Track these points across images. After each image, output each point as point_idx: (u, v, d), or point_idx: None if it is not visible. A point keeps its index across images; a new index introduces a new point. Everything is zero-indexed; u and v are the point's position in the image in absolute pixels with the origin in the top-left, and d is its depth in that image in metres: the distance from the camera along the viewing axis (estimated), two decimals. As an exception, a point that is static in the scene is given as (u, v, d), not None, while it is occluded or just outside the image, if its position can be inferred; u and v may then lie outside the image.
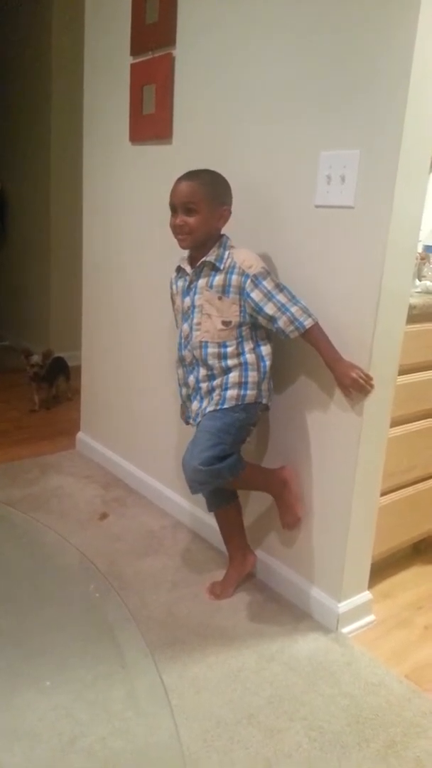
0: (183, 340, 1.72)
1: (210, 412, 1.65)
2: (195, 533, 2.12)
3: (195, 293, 1.65)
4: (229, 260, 1.60)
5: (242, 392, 1.62)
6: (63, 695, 1.35)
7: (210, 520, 2.06)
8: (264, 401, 1.66)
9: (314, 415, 1.67)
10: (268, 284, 1.56)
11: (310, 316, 1.56)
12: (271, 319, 1.56)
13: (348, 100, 1.47)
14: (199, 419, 1.69)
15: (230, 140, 1.82)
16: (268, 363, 1.65)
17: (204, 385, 1.67)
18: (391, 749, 1.32)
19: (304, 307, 1.56)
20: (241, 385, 1.62)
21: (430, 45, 1.35)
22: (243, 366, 1.62)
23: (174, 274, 1.76)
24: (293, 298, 1.56)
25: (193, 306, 1.66)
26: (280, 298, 1.56)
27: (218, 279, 1.60)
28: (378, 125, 1.42)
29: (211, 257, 1.61)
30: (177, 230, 1.62)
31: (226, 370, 1.63)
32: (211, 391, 1.66)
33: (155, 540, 2.07)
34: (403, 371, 1.65)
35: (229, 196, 1.64)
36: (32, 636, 1.45)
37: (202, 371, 1.67)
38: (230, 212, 1.64)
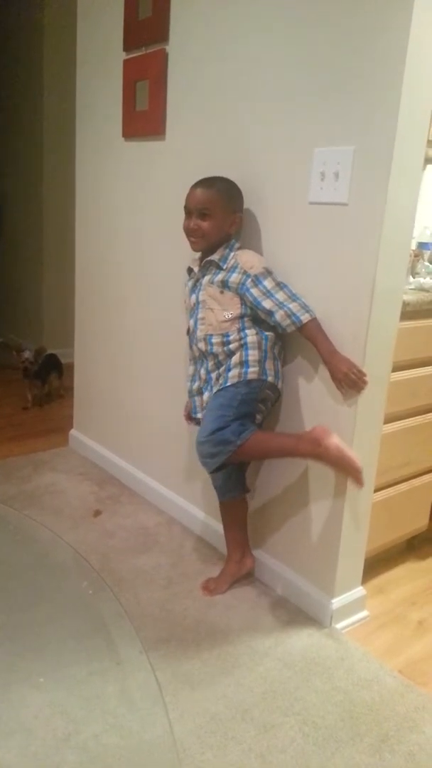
0: (191, 336, 1.76)
1: (215, 393, 1.68)
2: (189, 530, 2.12)
3: (199, 290, 1.71)
4: (233, 261, 1.65)
5: (243, 369, 1.64)
6: (57, 692, 1.35)
7: (204, 517, 2.06)
8: (269, 379, 1.64)
9: (308, 411, 1.67)
10: (268, 284, 1.60)
11: (307, 311, 1.57)
12: (269, 312, 1.59)
13: (342, 96, 1.47)
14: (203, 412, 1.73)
15: (223, 136, 1.81)
16: (270, 344, 1.65)
17: (213, 375, 1.71)
18: (384, 743, 1.33)
19: (302, 303, 1.58)
20: (242, 363, 1.64)
21: (424, 42, 1.35)
22: (244, 346, 1.64)
23: (186, 277, 1.80)
24: (293, 296, 1.59)
25: (197, 302, 1.71)
26: (279, 296, 1.59)
27: (220, 276, 1.65)
28: (372, 122, 1.42)
29: (215, 257, 1.67)
30: (190, 233, 1.69)
31: (229, 354, 1.66)
32: (218, 378, 1.70)
33: (149, 537, 2.07)
34: (396, 368, 1.66)
35: (241, 203, 1.70)
36: (26, 633, 1.45)
37: (210, 363, 1.71)
38: (242, 219, 1.70)
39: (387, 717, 1.40)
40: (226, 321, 1.65)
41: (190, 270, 1.79)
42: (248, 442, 1.59)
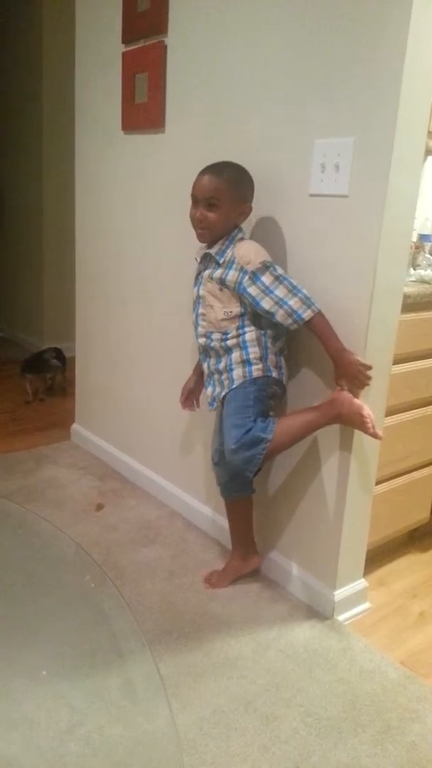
0: (194, 329, 1.74)
1: (224, 396, 1.66)
2: (191, 523, 2.13)
3: (200, 283, 1.68)
4: (230, 254, 1.59)
5: (247, 368, 1.62)
6: (60, 684, 1.36)
7: (206, 510, 2.07)
8: (273, 375, 1.63)
9: (310, 404, 1.67)
10: (266, 279, 1.54)
11: (309, 307, 1.53)
12: (269, 312, 1.56)
13: (342, 87, 1.46)
14: (215, 405, 1.71)
15: (223, 129, 1.80)
16: (270, 340, 1.62)
17: (215, 370, 1.70)
18: (386, 734, 1.33)
19: (304, 297, 1.53)
20: (244, 362, 1.62)
21: (424, 33, 1.34)
22: (242, 344, 1.62)
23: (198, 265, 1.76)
24: (293, 289, 1.54)
25: (198, 296, 1.69)
26: (279, 292, 1.53)
27: (218, 272, 1.61)
28: (372, 113, 1.41)
29: (213, 250, 1.62)
30: (196, 223, 1.61)
31: (227, 350, 1.64)
32: (220, 375, 1.68)
33: (151, 530, 2.08)
34: (397, 360, 1.66)
35: (251, 192, 1.63)
36: (28, 626, 1.46)
37: (213, 359, 1.70)
38: (251, 208, 1.64)
39: (389, 708, 1.40)
40: (225, 319, 1.62)
41: (197, 260, 1.74)
42: (276, 434, 1.56)
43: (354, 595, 1.72)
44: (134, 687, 1.26)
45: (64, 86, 3.08)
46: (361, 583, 1.75)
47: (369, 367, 1.51)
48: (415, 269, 1.94)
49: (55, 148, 3.77)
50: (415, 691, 1.46)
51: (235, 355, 1.63)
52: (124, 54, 2.13)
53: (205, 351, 1.72)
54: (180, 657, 1.51)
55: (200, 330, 1.69)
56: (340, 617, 1.69)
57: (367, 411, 1.51)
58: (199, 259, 1.70)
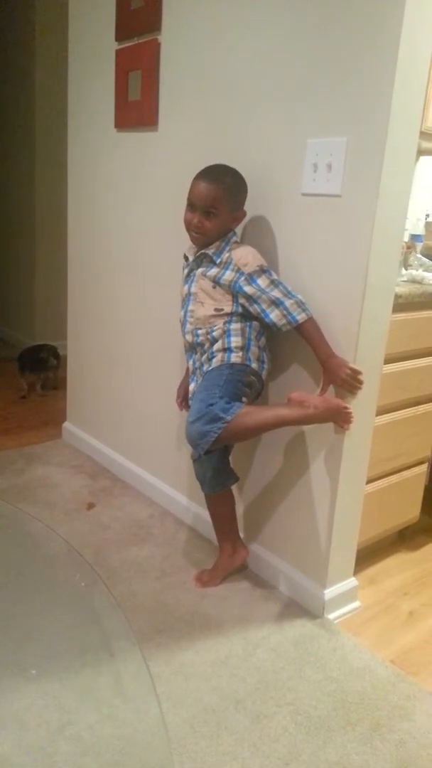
0: (181, 326, 1.75)
1: (201, 379, 1.68)
2: (182, 522, 2.13)
3: (192, 281, 1.68)
4: (227, 256, 1.61)
5: (227, 355, 1.64)
6: (51, 683, 1.36)
7: (197, 509, 2.07)
8: (252, 365, 1.64)
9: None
10: (262, 282, 1.57)
11: (304, 311, 1.56)
12: (263, 311, 1.57)
13: (335, 87, 1.47)
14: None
15: (216, 127, 1.80)
16: (254, 332, 1.63)
17: (199, 366, 1.71)
18: (376, 732, 1.34)
19: (299, 301, 1.56)
20: (225, 350, 1.64)
21: (417, 33, 1.35)
22: (226, 333, 1.63)
23: (184, 262, 1.78)
24: (288, 293, 1.57)
25: (189, 293, 1.70)
26: (275, 294, 1.56)
27: (213, 271, 1.63)
28: (365, 113, 1.41)
29: (210, 250, 1.64)
30: (192, 228, 1.63)
31: (212, 342, 1.66)
32: (203, 365, 1.70)
33: (143, 529, 2.08)
34: (388, 360, 1.66)
35: (245, 196, 1.65)
36: (19, 625, 1.45)
37: (198, 354, 1.71)
38: (245, 213, 1.66)
39: (378, 706, 1.41)
40: (214, 316, 1.64)
41: (186, 258, 1.75)
42: (237, 417, 1.54)
43: (344, 593, 1.73)
44: (124, 686, 1.26)
45: (57, 83, 3.07)
46: (352, 581, 1.76)
47: (359, 372, 1.52)
48: (406, 269, 1.95)
49: (48, 145, 3.76)
50: (404, 689, 1.46)
51: (218, 344, 1.65)
52: (117, 51, 2.12)
53: (192, 348, 1.73)
54: (170, 656, 1.51)
55: (188, 327, 1.71)
56: (331, 616, 1.69)
57: (342, 404, 1.52)
58: (190, 258, 1.70)
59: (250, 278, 1.57)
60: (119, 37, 2.11)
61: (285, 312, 1.55)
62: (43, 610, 1.51)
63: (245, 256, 1.60)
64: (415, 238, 2.21)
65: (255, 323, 1.64)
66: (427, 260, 2.08)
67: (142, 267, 2.20)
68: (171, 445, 2.17)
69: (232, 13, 1.70)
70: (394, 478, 1.88)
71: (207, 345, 1.67)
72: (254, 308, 1.59)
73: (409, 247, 2.08)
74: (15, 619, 1.47)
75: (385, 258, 1.50)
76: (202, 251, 1.66)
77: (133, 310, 2.27)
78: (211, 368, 1.65)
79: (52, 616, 1.47)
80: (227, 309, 1.63)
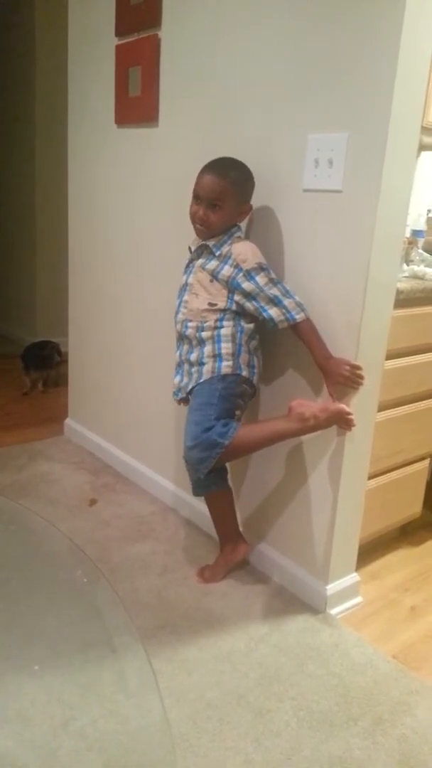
0: (174, 315, 1.75)
1: (192, 389, 1.68)
2: (184, 518, 2.13)
3: (191, 271, 1.68)
4: (227, 249, 1.60)
5: (217, 364, 1.63)
6: (53, 679, 1.36)
7: (200, 505, 2.07)
8: (243, 374, 1.63)
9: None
10: (261, 279, 1.56)
11: (302, 311, 1.56)
12: (262, 308, 1.57)
13: (336, 82, 1.46)
14: (180, 395, 1.73)
15: (217, 123, 1.80)
16: (245, 337, 1.63)
17: (186, 360, 1.71)
18: (378, 727, 1.34)
19: (297, 302, 1.56)
20: (215, 357, 1.63)
21: (418, 28, 1.34)
22: (216, 338, 1.62)
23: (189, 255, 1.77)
24: (287, 293, 1.56)
25: (186, 283, 1.69)
26: (273, 291, 1.56)
27: (212, 264, 1.62)
28: (366, 108, 1.41)
29: (211, 242, 1.63)
30: (197, 220, 1.62)
31: (201, 342, 1.65)
32: (190, 366, 1.69)
33: (145, 525, 2.08)
34: (390, 356, 1.66)
35: (252, 191, 1.63)
36: (21, 622, 1.46)
37: (185, 346, 1.71)
38: (251, 207, 1.65)
39: (380, 701, 1.41)
40: (207, 310, 1.63)
41: (190, 249, 1.75)
42: (235, 440, 1.58)
43: (346, 589, 1.73)
44: (127, 681, 1.26)
45: (57, 80, 3.06)
46: (354, 577, 1.76)
47: (359, 367, 1.52)
48: (408, 265, 1.94)
49: (48, 141, 3.75)
50: (406, 684, 1.47)
51: (208, 349, 1.64)
52: (117, 47, 2.11)
53: (180, 338, 1.73)
54: (173, 652, 1.52)
55: (179, 317, 1.71)
56: (333, 611, 1.69)
57: (344, 409, 1.53)
58: (193, 248, 1.70)
59: (249, 275, 1.56)
60: (119, 33, 2.10)
61: (284, 310, 1.55)
62: (45, 607, 1.51)
63: (244, 252, 1.59)
64: (416, 233, 2.20)
65: (247, 327, 1.63)
66: (428, 256, 2.07)
67: (143, 263, 2.20)
68: (172, 442, 2.17)
69: (232, 8, 1.69)
70: (395, 474, 1.88)
71: (195, 342, 1.66)
72: (251, 305, 1.58)
73: (411, 243, 2.07)
74: (17, 615, 1.47)
75: (386, 253, 1.49)
76: (204, 242, 1.65)
77: (135, 306, 2.27)
78: (202, 381, 1.65)
79: (54, 613, 1.47)
80: (221, 305, 1.62)
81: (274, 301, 1.56)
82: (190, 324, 1.67)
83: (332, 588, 1.70)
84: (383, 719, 1.36)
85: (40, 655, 1.39)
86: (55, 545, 1.85)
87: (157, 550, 1.93)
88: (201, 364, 1.65)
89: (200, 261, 1.65)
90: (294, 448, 1.72)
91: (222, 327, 1.62)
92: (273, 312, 1.56)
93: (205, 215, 1.59)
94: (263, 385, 1.77)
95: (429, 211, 2.47)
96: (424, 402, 1.88)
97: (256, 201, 1.69)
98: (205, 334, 1.64)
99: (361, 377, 1.53)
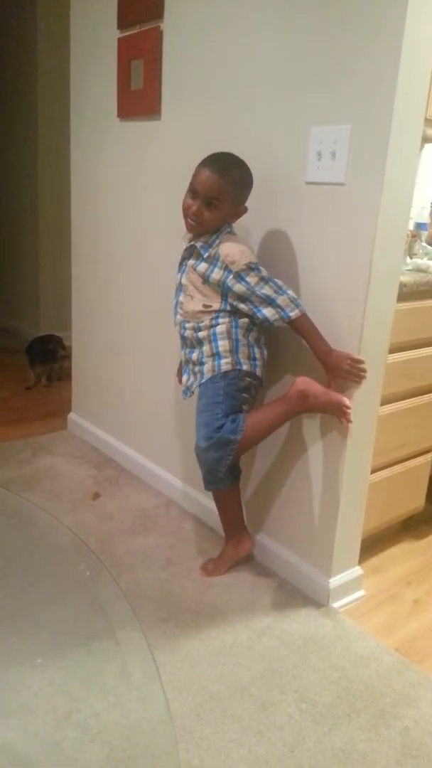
0: (173, 315, 1.74)
1: (196, 389, 1.69)
2: (188, 512, 2.13)
3: (184, 272, 1.67)
4: (215, 251, 1.57)
5: (216, 362, 1.63)
6: (57, 671, 1.37)
7: (202, 499, 2.07)
8: (244, 368, 1.62)
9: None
10: (251, 279, 1.54)
11: (297, 307, 1.54)
12: (256, 308, 1.56)
13: (339, 74, 1.45)
14: (189, 394, 1.74)
15: (220, 116, 1.79)
16: (241, 331, 1.61)
17: (189, 359, 1.71)
18: (380, 719, 1.35)
19: (292, 297, 1.54)
20: (214, 355, 1.63)
21: (421, 20, 1.33)
22: (212, 337, 1.62)
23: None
24: (279, 289, 1.54)
25: (180, 284, 1.68)
26: (265, 290, 1.54)
27: (202, 266, 1.59)
28: (369, 101, 1.40)
29: (199, 243, 1.60)
30: (189, 214, 1.57)
31: (199, 342, 1.65)
32: (193, 365, 1.69)
33: (148, 519, 2.09)
34: (393, 349, 1.65)
35: (249, 192, 1.60)
36: (24, 615, 1.46)
37: (187, 347, 1.71)
38: (246, 209, 1.62)
39: (383, 694, 1.42)
40: (202, 312, 1.62)
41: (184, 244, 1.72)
42: (246, 433, 1.60)
43: (349, 582, 1.73)
44: (130, 674, 1.27)
45: (60, 73, 3.06)
46: (356, 570, 1.76)
47: (361, 361, 1.51)
48: (411, 258, 1.94)
49: (50, 135, 3.74)
50: (409, 677, 1.47)
51: (206, 348, 1.64)
52: (119, 40, 2.10)
53: (182, 339, 1.73)
54: (176, 644, 1.52)
55: (177, 318, 1.71)
56: (335, 604, 1.70)
57: (344, 401, 1.53)
58: (185, 244, 1.67)
59: (238, 277, 1.54)
60: (121, 26, 2.09)
61: (278, 309, 1.54)
62: (48, 600, 1.52)
63: (232, 253, 1.54)
64: (420, 226, 2.19)
65: (242, 320, 1.61)
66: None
67: (146, 257, 2.20)
68: (176, 435, 2.18)
69: (234, 1, 1.68)
70: (398, 468, 1.88)
71: (194, 343, 1.66)
72: (245, 306, 1.57)
73: (414, 236, 2.07)
74: (20, 608, 1.48)
75: (389, 246, 1.49)
76: (193, 243, 1.62)
77: (138, 300, 2.27)
78: (204, 380, 1.65)
79: (58, 606, 1.48)
80: (215, 306, 1.60)
81: (267, 301, 1.54)
82: (187, 325, 1.67)
83: (335, 581, 1.70)
84: (386, 712, 1.37)
85: (43, 648, 1.39)
86: (58, 539, 1.86)
87: (160, 544, 1.94)
88: (201, 363, 1.65)
89: (191, 261, 1.63)
90: (297, 441, 1.72)
91: (217, 325, 1.61)
92: (267, 312, 1.54)
93: (199, 211, 1.55)
94: (271, 379, 1.77)
95: (433, 203, 2.45)
96: (427, 396, 1.88)
97: (259, 194, 1.68)
98: (201, 334, 1.63)
99: (363, 371, 1.52)
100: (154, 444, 2.30)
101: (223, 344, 1.61)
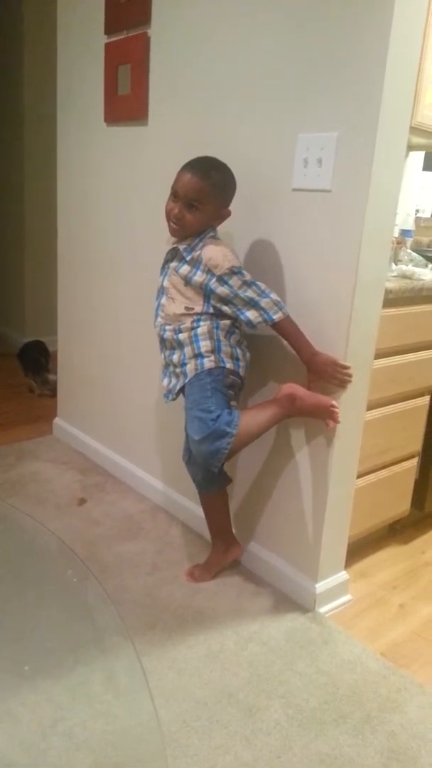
0: (154, 318, 1.73)
1: (180, 389, 1.68)
2: (174, 517, 2.13)
3: (166, 274, 1.67)
4: (197, 254, 1.57)
5: (199, 361, 1.62)
6: (43, 679, 1.36)
7: (189, 504, 2.07)
8: (228, 366, 1.62)
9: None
10: (234, 283, 1.54)
11: (280, 309, 1.54)
12: (239, 310, 1.56)
13: (326, 82, 1.46)
14: (171, 397, 1.72)
15: (207, 122, 1.80)
16: (222, 332, 1.61)
17: (169, 362, 1.70)
18: (367, 724, 1.35)
19: (275, 300, 1.54)
20: (196, 356, 1.62)
21: (407, 29, 1.35)
22: (194, 338, 1.61)
23: None
24: (263, 293, 1.54)
25: (162, 286, 1.68)
26: (248, 293, 1.54)
27: (184, 269, 1.59)
28: (355, 108, 1.41)
29: (182, 245, 1.60)
30: (171, 217, 1.58)
31: (180, 344, 1.64)
32: (174, 367, 1.68)
33: (134, 524, 2.08)
34: (379, 355, 1.67)
35: (233, 195, 1.61)
36: (10, 621, 1.45)
37: (167, 350, 1.70)
38: (230, 213, 1.62)
39: (369, 698, 1.42)
40: (184, 314, 1.61)
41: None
42: (241, 427, 1.57)
43: (335, 587, 1.74)
44: (117, 681, 1.26)
45: (46, 77, 3.04)
46: (343, 575, 1.77)
47: (346, 367, 1.52)
48: (396, 264, 1.95)
49: (37, 139, 3.72)
50: (395, 681, 1.48)
51: (188, 350, 1.63)
52: (106, 45, 2.10)
53: (161, 341, 1.72)
54: (163, 651, 1.52)
55: (158, 320, 1.70)
56: (322, 609, 1.70)
57: (330, 401, 1.54)
58: (169, 247, 1.67)
59: (221, 280, 1.54)
60: (108, 31, 2.09)
61: (261, 311, 1.54)
62: (34, 606, 1.51)
63: (215, 257, 1.54)
64: (405, 233, 2.21)
65: (223, 323, 1.61)
66: (417, 255, 2.08)
67: (132, 262, 2.19)
68: (162, 441, 2.17)
69: (221, 7, 1.69)
70: (384, 473, 1.89)
71: (175, 345, 1.66)
72: (228, 308, 1.57)
73: (399, 243, 2.08)
74: (7, 615, 1.47)
75: (375, 253, 1.50)
76: (176, 245, 1.62)
77: (124, 305, 2.27)
78: (189, 380, 1.64)
79: (44, 612, 1.47)
80: (198, 309, 1.60)
81: (251, 303, 1.54)
82: (167, 327, 1.66)
83: (321, 586, 1.70)
84: (372, 716, 1.37)
85: (29, 655, 1.38)
86: (44, 545, 1.85)
87: (146, 549, 1.93)
88: (183, 364, 1.64)
89: (173, 264, 1.63)
90: (283, 446, 1.72)
91: (198, 327, 1.61)
92: (250, 314, 1.55)
93: (181, 213, 1.55)
94: (255, 381, 1.78)
95: (417, 210, 2.48)
96: (412, 401, 1.90)
97: (245, 200, 1.69)
98: (182, 336, 1.62)
99: (349, 375, 1.53)
100: (141, 449, 2.29)
101: (205, 344, 1.61)
